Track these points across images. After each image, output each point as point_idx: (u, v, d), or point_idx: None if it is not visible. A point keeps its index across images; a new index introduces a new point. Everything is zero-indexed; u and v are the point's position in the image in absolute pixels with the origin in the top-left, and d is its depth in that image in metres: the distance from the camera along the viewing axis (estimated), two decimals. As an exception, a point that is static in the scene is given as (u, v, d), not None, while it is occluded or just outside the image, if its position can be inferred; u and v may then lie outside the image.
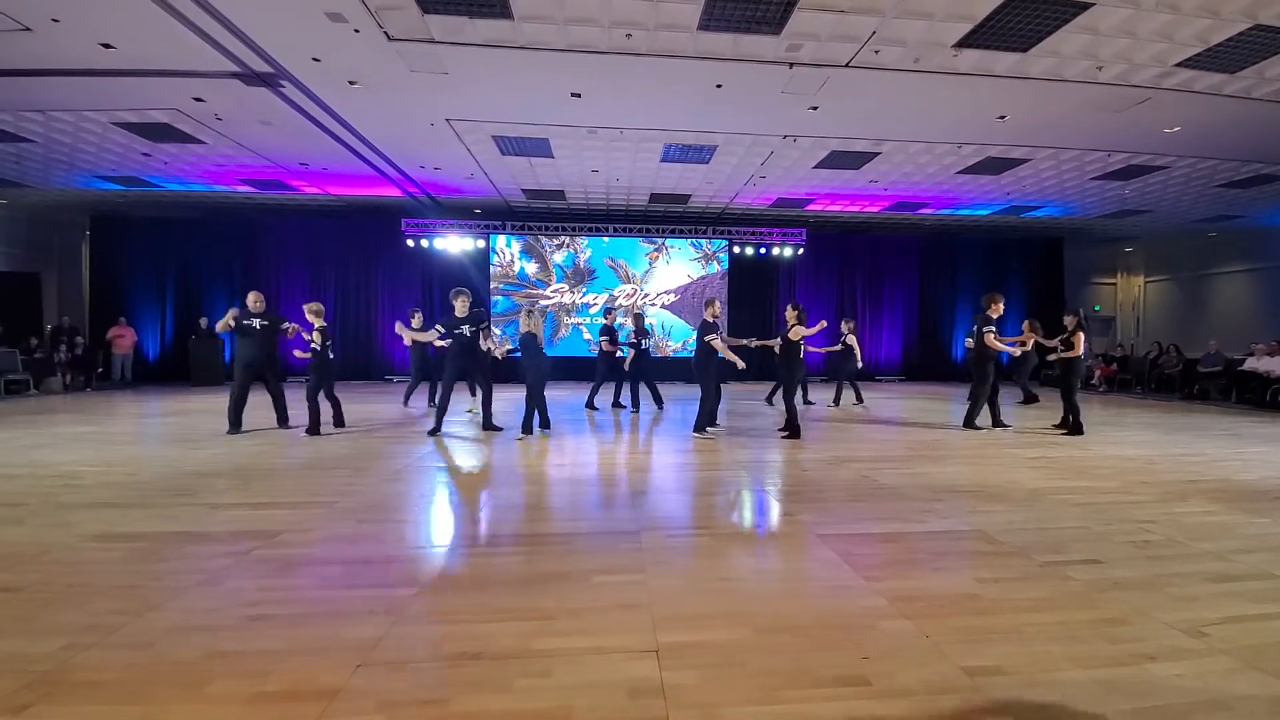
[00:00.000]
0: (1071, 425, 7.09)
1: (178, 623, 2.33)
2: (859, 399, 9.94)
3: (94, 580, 2.72)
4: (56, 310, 13.12)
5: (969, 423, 7.32)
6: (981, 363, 7.23)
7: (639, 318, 8.93)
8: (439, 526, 3.72)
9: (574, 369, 13.76)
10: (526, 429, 6.54)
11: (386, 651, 2.14)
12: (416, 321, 8.83)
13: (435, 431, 6.58)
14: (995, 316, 7.17)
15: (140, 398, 10.60)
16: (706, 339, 6.50)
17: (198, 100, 7.23)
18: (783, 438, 6.60)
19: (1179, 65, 6.03)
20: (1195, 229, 13.76)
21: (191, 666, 2.03)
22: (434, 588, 2.71)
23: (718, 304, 6.91)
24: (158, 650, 2.13)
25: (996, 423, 7.39)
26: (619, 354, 8.80)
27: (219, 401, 6.59)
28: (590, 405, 8.99)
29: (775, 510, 4.03)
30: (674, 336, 14.41)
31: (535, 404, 6.58)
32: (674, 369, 14.06)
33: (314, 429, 6.55)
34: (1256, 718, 1.82)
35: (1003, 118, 7.61)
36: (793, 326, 6.54)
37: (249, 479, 4.61)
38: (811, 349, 9.19)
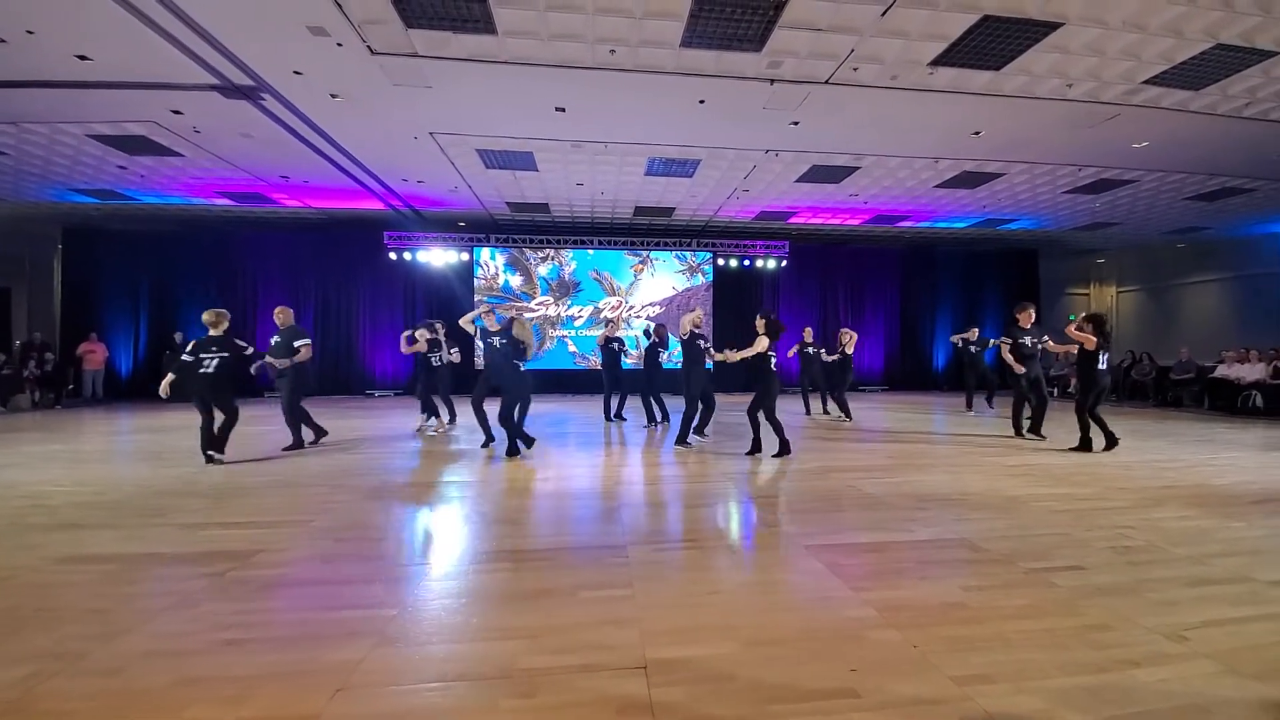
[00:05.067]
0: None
1: (149, 648, 2.25)
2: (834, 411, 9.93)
3: (62, 604, 2.62)
4: (26, 325, 12.78)
5: (1035, 430, 7.39)
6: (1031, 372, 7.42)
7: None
8: (420, 544, 3.65)
9: (558, 382, 13.74)
10: (515, 449, 6.18)
11: (366, 675, 2.08)
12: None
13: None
14: (1028, 325, 7.42)
15: (111, 415, 10.34)
16: (699, 345, 6.70)
17: (175, 113, 7.14)
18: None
19: (1146, 82, 6.23)
20: (1165, 240, 14.15)
21: (163, 693, 1.96)
22: (415, 608, 2.65)
23: (700, 313, 7.28)
24: (128, 677, 2.05)
25: (1019, 430, 7.50)
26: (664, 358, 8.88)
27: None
28: (613, 418, 9.21)
29: (762, 522, 4.03)
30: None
31: (516, 422, 6.21)
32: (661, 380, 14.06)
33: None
34: (1238, 722, 1.84)
35: (977, 133, 7.79)
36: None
37: (223, 498, 4.50)
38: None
